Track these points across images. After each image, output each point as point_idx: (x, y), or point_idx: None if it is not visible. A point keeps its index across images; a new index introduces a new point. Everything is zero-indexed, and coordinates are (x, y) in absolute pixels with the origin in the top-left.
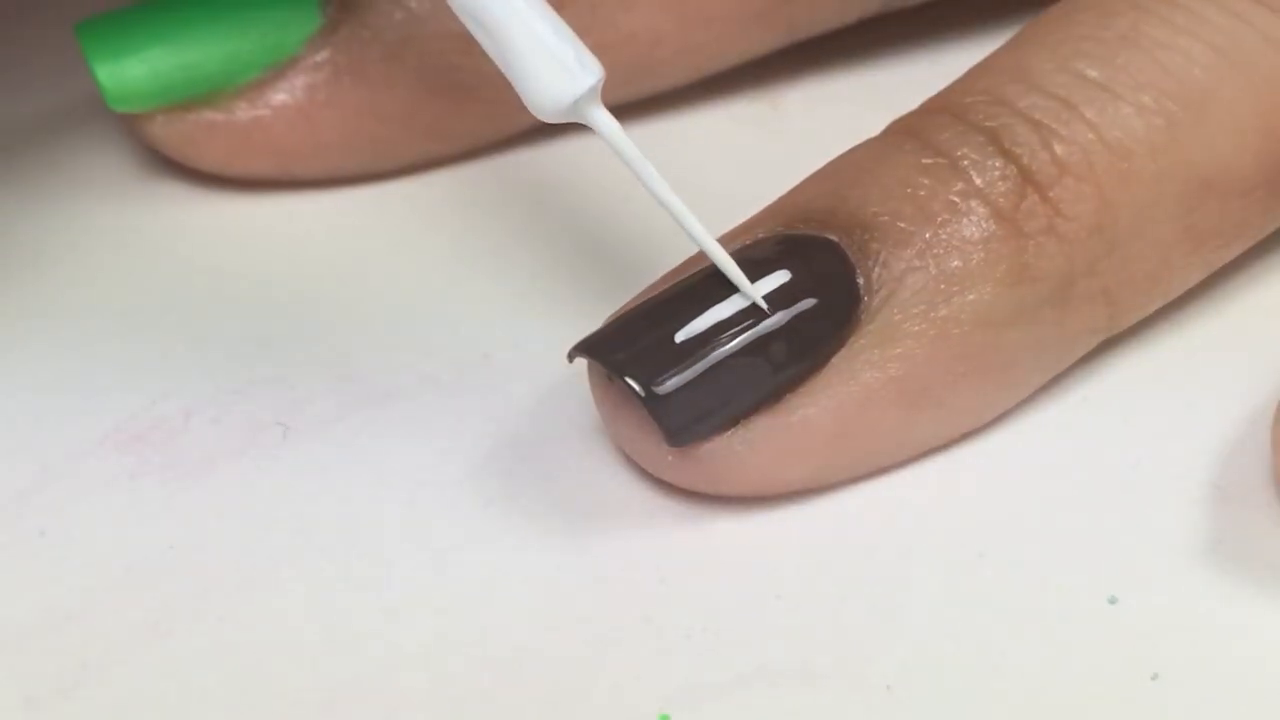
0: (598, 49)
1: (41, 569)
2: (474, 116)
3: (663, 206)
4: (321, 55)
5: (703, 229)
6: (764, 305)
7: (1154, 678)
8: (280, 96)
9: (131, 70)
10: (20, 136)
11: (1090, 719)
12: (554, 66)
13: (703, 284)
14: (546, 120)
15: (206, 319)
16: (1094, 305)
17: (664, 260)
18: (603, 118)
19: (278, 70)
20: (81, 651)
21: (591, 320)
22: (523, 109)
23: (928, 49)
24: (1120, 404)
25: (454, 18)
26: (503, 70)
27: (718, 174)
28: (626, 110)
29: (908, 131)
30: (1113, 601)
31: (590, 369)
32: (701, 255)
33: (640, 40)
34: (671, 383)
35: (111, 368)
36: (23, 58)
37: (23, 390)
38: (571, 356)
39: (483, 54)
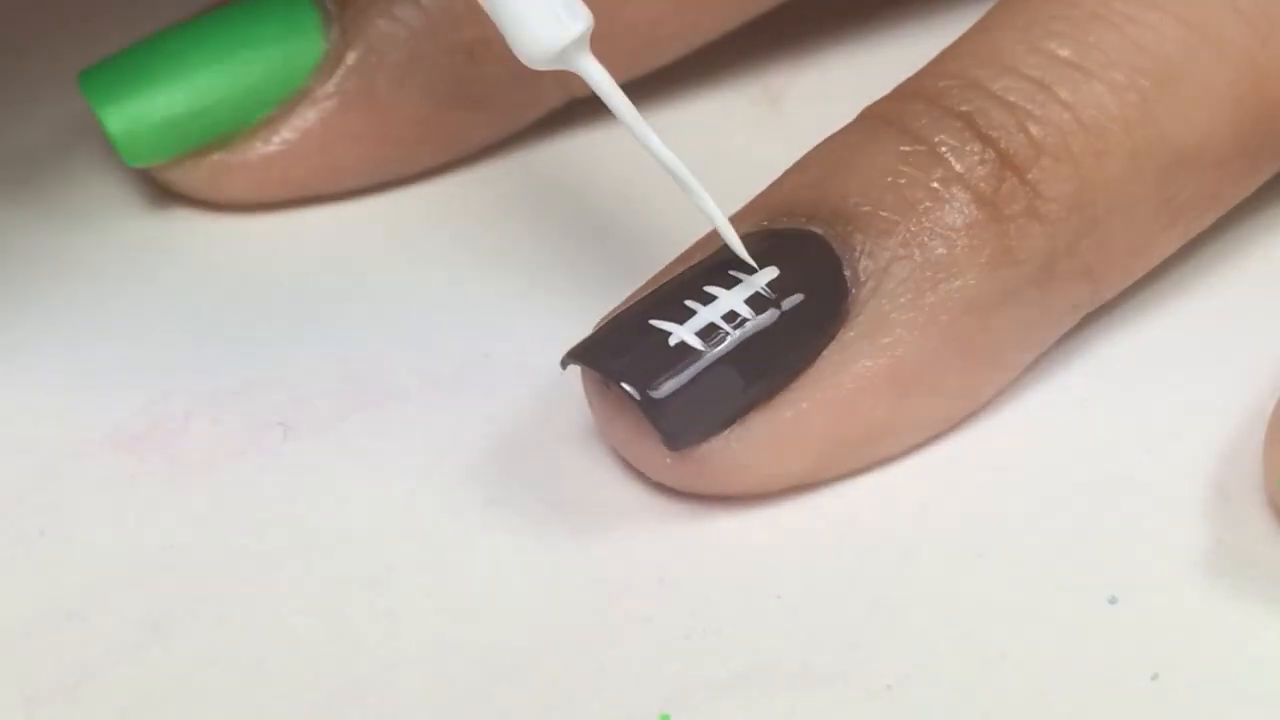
0: (599, 40)
1: (41, 569)
2: (485, 125)
3: (653, 156)
4: (331, 85)
5: (694, 179)
6: (746, 257)
7: (1154, 678)
8: (294, 131)
9: (144, 126)
10: (22, 140)
11: (1090, 719)
12: (544, 13)
13: (692, 284)
14: (536, 68)
15: (206, 319)
16: (1076, 283)
17: (662, 259)
18: (591, 66)
19: (288, 104)
20: (81, 651)
21: (592, 319)
22: (530, 107)
23: (929, 48)
24: (1121, 404)
25: (458, 30)
26: (492, 16)
27: (718, 175)
28: (628, 98)
29: (883, 118)
30: (1113, 601)
31: (584, 375)
32: (689, 254)
33: (640, 27)
34: (668, 386)
35: (111, 368)
36: (25, 62)
37: (23, 390)
38: (565, 364)
39: (489, 62)
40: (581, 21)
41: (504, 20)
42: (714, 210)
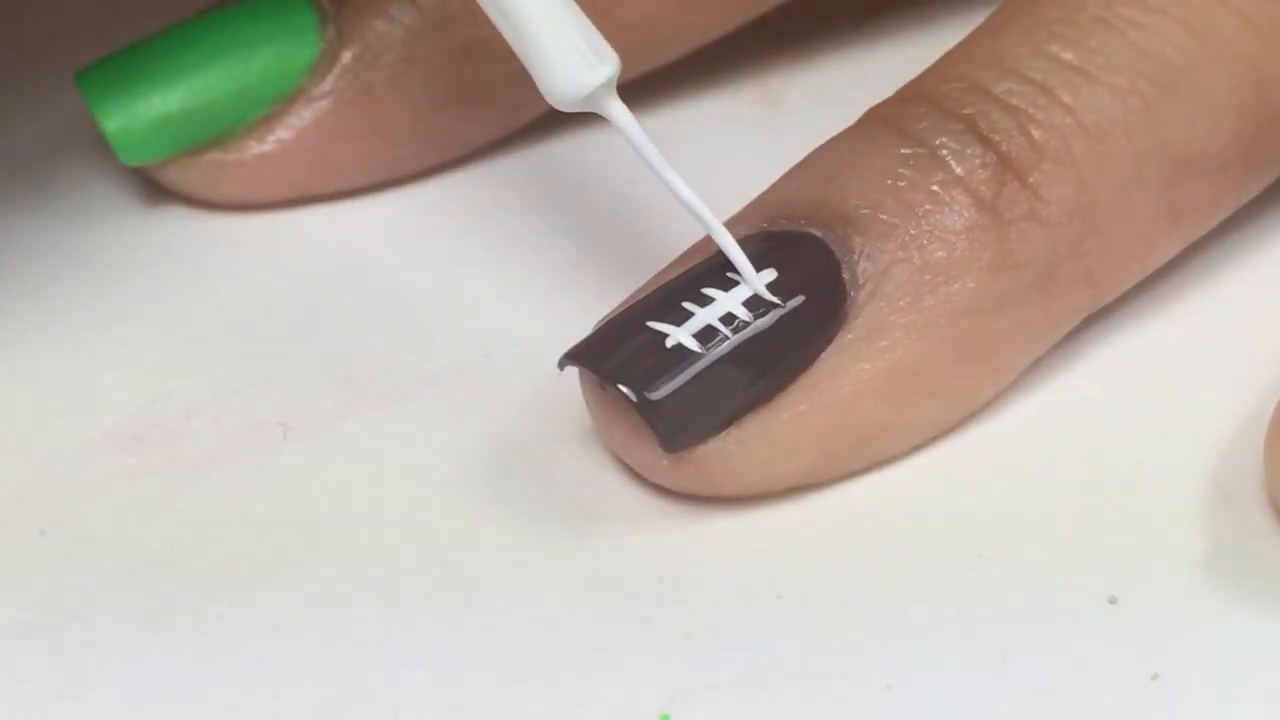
0: None
1: (41, 569)
2: (482, 124)
3: (674, 195)
4: (326, 84)
5: (714, 218)
6: (768, 295)
7: (1154, 678)
8: (290, 130)
9: (140, 125)
10: (20, 140)
11: (1090, 719)
12: (572, 57)
13: (690, 286)
14: (562, 109)
15: (206, 319)
16: (1077, 286)
17: (663, 259)
18: (617, 109)
19: (284, 104)
20: (81, 651)
21: (591, 320)
22: (527, 106)
23: (929, 50)
24: (1121, 403)
25: (454, 29)
26: (521, 58)
27: (719, 175)
28: (627, 99)
29: (884, 121)
30: (1113, 601)
31: (582, 376)
32: (687, 256)
33: (639, 27)
34: (665, 388)
35: (111, 368)
36: (25, 62)
37: (23, 389)
38: (562, 365)
39: (486, 61)
40: (609, 65)
41: (532, 63)
42: (738, 255)
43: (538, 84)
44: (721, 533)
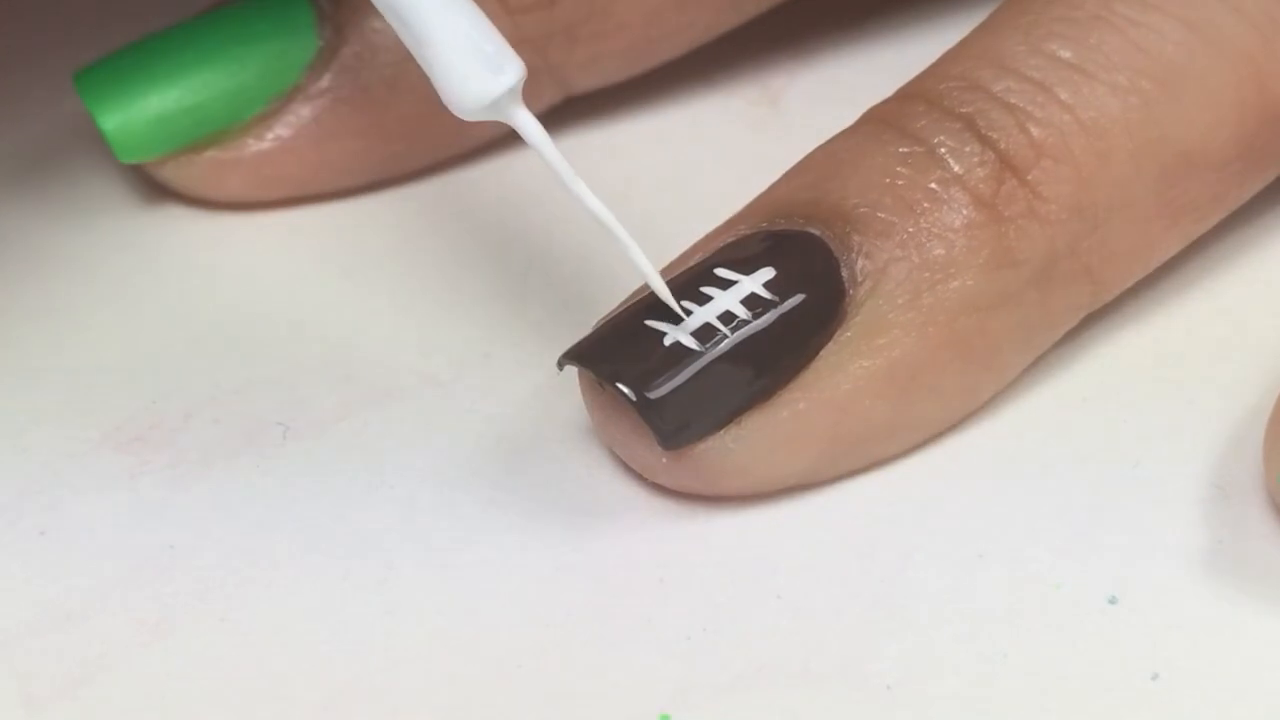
0: (594, 38)
1: (41, 569)
2: (481, 123)
3: (584, 209)
4: (324, 82)
5: (623, 230)
6: (673, 303)
7: (1154, 678)
8: (287, 128)
9: (138, 122)
10: (20, 139)
11: (1090, 719)
12: (474, 64)
13: (689, 285)
14: (466, 119)
15: (206, 319)
16: (1077, 284)
17: (661, 260)
18: (525, 119)
19: (282, 101)
20: (81, 651)
21: (590, 320)
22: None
23: (929, 49)
24: (1120, 403)
25: None
26: (421, 66)
27: (718, 175)
28: (627, 99)
29: (883, 120)
30: (1113, 601)
31: (581, 375)
32: (687, 254)
33: (635, 25)
34: (664, 387)
35: (111, 368)
36: (24, 62)
37: (23, 390)
38: (561, 365)
39: None
40: (512, 74)
41: (429, 67)
42: (645, 264)
43: (437, 91)
44: (721, 533)
